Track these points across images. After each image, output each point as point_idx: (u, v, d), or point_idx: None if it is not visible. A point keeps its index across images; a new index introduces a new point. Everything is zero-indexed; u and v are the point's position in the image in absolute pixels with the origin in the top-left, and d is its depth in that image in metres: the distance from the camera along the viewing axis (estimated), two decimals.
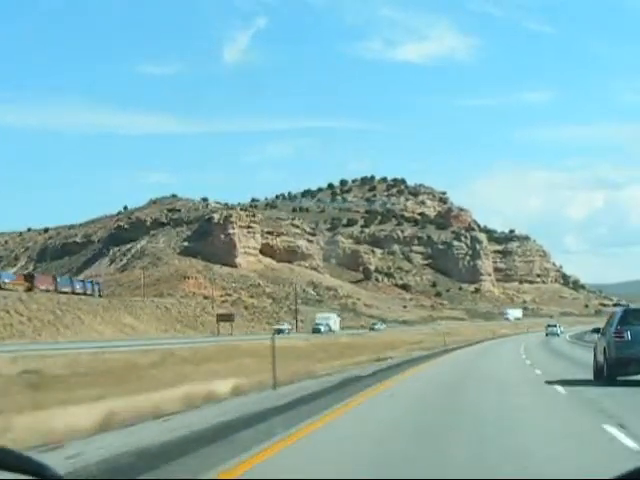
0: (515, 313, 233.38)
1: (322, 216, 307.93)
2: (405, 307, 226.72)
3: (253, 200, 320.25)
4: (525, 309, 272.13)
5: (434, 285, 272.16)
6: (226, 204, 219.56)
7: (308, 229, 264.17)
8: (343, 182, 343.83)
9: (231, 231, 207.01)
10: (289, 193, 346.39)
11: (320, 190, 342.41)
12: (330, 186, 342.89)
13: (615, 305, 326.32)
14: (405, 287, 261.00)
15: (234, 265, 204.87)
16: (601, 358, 24.73)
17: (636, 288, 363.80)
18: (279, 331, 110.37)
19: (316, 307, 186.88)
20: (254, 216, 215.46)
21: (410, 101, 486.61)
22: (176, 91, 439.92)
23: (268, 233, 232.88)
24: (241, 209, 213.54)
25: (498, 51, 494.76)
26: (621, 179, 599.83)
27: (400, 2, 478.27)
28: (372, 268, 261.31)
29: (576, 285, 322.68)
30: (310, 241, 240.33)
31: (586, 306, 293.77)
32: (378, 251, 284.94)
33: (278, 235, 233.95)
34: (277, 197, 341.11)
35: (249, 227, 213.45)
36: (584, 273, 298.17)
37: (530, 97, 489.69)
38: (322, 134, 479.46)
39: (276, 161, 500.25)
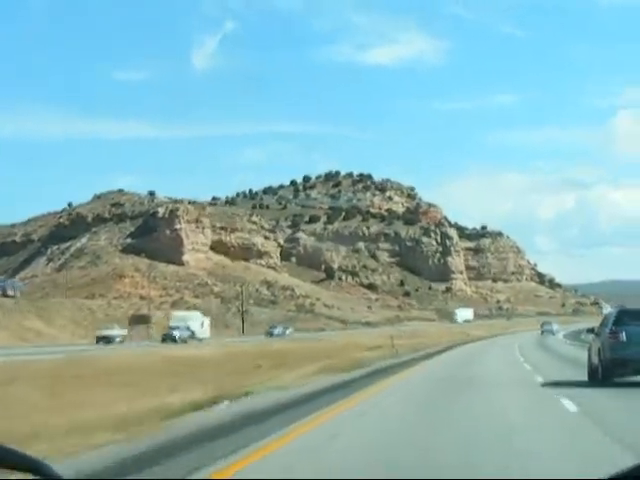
0: (465, 314, 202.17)
1: (283, 213, 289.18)
2: (370, 308, 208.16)
3: (214, 198, 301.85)
4: (500, 309, 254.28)
5: (402, 284, 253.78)
6: (172, 198, 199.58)
7: (267, 226, 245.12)
8: (306, 178, 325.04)
9: (177, 226, 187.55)
10: (250, 190, 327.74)
11: (282, 187, 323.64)
12: (293, 183, 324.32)
13: (593, 304, 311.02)
14: (371, 287, 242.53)
15: (181, 263, 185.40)
16: (596, 359, 23.81)
17: (608, 288, 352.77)
18: (104, 339, 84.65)
19: (270, 308, 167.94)
20: (203, 209, 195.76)
21: (381, 105, 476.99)
22: (145, 96, 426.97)
23: (221, 229, 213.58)
24: (189, 202, 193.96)
25: (469, 54, 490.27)
26: (590, 181, 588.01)
27: (370, 6, 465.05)
28: (335, 267, 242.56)
29: (552, 284, 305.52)
30: (267, 237, 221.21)
31: (563, 305, 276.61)
32: (342, 249, 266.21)
33: (232, 231, 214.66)
34: (238, 195, 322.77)
35: (198, 222, 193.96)
36: (556, 274, 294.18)
37: (501, 100, 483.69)
38: (293, 138, 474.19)
39: (247, 165, 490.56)
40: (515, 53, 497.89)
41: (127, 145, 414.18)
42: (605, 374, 22.92)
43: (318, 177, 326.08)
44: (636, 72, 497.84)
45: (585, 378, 24.78)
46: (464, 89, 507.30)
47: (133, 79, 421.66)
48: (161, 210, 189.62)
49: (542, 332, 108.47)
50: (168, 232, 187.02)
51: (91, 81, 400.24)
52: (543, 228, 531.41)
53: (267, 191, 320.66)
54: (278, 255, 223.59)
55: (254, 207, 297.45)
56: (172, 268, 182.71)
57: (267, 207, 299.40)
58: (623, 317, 23.34)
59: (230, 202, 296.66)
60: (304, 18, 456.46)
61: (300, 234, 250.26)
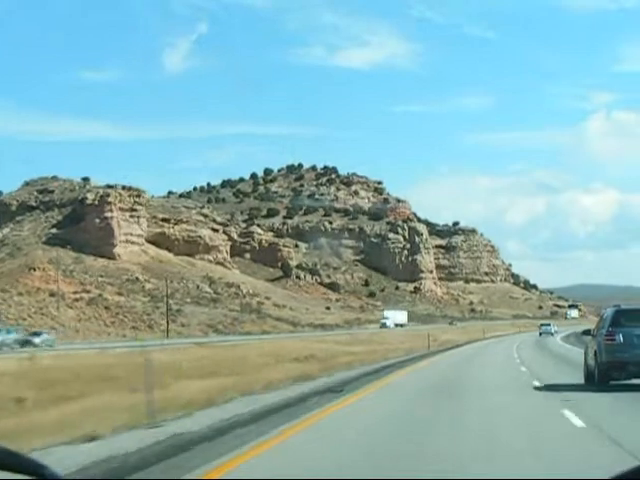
0: (397, 317, 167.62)
1: (240, 207, 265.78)
2: (328, 309, 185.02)
3: (170, 193, 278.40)
4: (472, 311, 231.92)
5: (366, 284, 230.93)
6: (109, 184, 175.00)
7: (220, 219, 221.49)
8: (267, 171, 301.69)
9: (108, 215, 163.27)
10: (208, 184, 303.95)
11: (242, 180, 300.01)
12: (253, 176, 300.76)
13: (570, 307, 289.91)
14: (332, 286, 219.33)
15: (112, 256, 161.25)
16: (592, 362, 23.11)
17: (579, 292, 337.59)
18: None
19: (210, 307, 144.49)
20: (139, 196, 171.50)
21: (353, 107, 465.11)
22: (115, 97, 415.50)
23: (164, 220, 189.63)
24: (123, 188, 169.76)
25: (441, 57, 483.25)
26: (561, 185, 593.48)
27: (341, 8, 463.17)
28: (293, 264, 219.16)
29: (528, 285, 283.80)
30: (215, 230, 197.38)
31: (540, 307, 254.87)
32: (303, 245, 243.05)
33: (177, 223, 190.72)
34: (195, 189, 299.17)
35: (132, 210, 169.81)
36: (528, 277, 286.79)
37: (473, 103, 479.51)
38: (265, 140, 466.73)
39: (216, 167, 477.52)
40: (487, 56, 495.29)
41: (90, 146, 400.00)
42: (601, 377, 22.06)
43: (280, 170, 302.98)
44: (606, 77, 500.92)
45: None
46: (435, 92, 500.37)
47: (102, 80, 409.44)
48: (90, 196, 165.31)
49: (540, 334, 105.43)
50: (97, 221, 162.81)
51: (59, 81, 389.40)
52: (514, 232, 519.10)
53: (225, 185, 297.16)
54: (228, 250, 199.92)
55: (209, 201, 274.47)
56: (101, 262, 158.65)
57: (223, 200, 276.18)
58: (620, 318, 22.18)
59: (185, 196, 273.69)
60: (276, 19, 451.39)
61: (255, 228, 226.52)
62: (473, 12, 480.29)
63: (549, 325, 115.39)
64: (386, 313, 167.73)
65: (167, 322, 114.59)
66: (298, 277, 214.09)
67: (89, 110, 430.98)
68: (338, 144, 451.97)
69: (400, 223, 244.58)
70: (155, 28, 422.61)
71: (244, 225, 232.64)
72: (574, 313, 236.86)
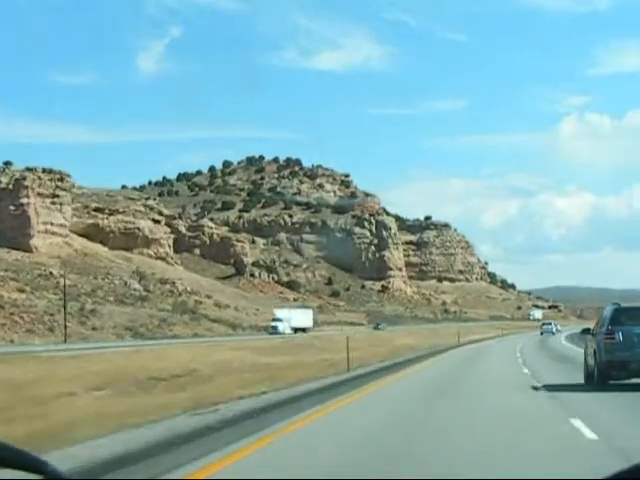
0: (297, 318, 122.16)
1: (194, 200, 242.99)
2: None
3: (123, 187, 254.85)
4: (446, 312, 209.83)
5: (330, 282, 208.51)
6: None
7: (167, 211, 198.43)
8: (226, 163, 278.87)
9: (24, 201, 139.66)
10: (164, 177, 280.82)
11: (199, 173, 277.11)
12: (211, 169, 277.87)
13: (551, 307, 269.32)
14: (291, 285, 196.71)
15: (28, 248, 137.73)
16: (592, 361, 22.49)
17: (555, 294, 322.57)
18: None
19: (135, 307, 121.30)
20: (61, 180, 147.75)
21: (326, 110, 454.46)
22: (90, 101, 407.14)
23: (97, 210, 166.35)
24: (43, 171, 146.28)
25: (414, 60, 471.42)
26: (535, 188, 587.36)
27: (315, 11, 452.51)
28: (247, 260, 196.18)
29: (505, 285, 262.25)
30: (157, 222, 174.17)
31: (519, 308, 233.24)
32: (260, 241, 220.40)
33: (111, 213, 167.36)
34: (149, 183, 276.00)
35: (54, 197, 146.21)
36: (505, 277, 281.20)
37: (446, 105, 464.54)
38: (238, 143, 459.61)
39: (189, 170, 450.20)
40: (461, 59, 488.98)
41: (65, 149, 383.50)
42: (601, 377, 21.55)
43: (240, 162, 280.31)
44: (579, 80, 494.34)
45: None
46: (409, 95, 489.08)
47: (75, 83, 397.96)
48: (4, 180, 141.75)
49: (541, 333, 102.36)
50: (12, 208, 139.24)
51: (32, 83, 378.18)
52: (487, 234, 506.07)
53: (180, 178, 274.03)
54: (171, 244, 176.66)
55: (161, 194, 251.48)
56: (15, 255, 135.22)
57: (176, 193, 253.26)
58: (619, 316, 21.67)
59: (139, 190, 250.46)
60: (250, 23, 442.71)
61: (205, 221, 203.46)
62: (447, 15, 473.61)
63: (550, 324, 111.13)
64: (278, 313, 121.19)
65: (65, 323, 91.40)
66: (252, 275, 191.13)
67: (65, 113, 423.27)
68: (312, 146, 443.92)
69: (367, 217, 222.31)
70: (129, 31, 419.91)
71: (195, 219, 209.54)
72: (538, 314, 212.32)
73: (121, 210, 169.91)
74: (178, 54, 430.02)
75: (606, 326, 21.48)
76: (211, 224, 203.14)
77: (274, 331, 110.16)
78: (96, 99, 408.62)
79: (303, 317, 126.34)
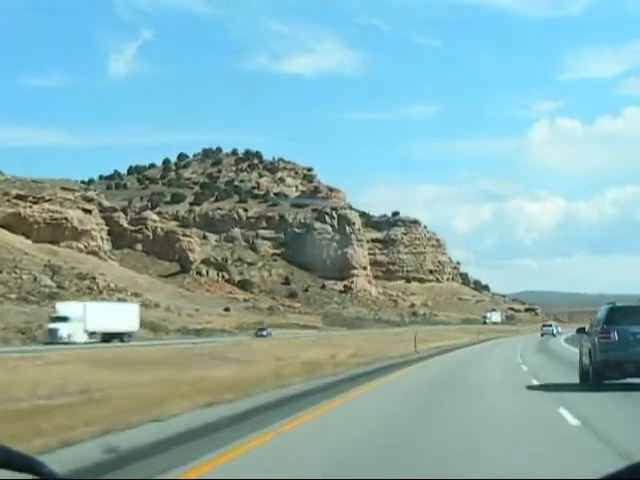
0: (100, 316, 78.46)
1: (143, 193, 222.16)
2: (227, 310, 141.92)
3: (68, 180, 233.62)
4: (414, 314, 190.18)
5: (287, 282, 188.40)
6: None
7: (107, 203, 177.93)
8: (182, 156, 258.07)
9: None
10: (115, 171, 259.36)
11: (153, 166, 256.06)
12: (165, 161, 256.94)
13: (527, 310, 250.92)
14: (244, 284, 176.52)
15: None
16: (587, 361, 22.19)
17: (527, 298, 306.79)
18: None
19: (40, 306, 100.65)
20: None
21: (298, 114, 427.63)
22: (60, 103, 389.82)
23: (18, 198, 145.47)
24: None
25: (385, 65, 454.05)
26: (505, 193, 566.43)
27: (286, 16, 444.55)
28: (194, 257, 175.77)
29: (479, 286, 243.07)
30: (87, 211, 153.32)
31: (493, 310, 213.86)
32: (212, 237, 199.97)
33: (36, 202, 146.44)
34: (101, 177, 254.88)
35: None
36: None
37: (417, 111, 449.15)
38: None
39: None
40: (432, 65, 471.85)
41: (37, 151, 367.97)
42: (596, 376, 21.27)
43: (196, 155, 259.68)
44: (551, 85, 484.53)
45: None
46: (381, 100, 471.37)
47: (45, 86, 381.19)
48: None
49: (542, 334, 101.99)
50: None
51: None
52: (459, 240, 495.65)
53: (132, 171, 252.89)
54: (104, 236, 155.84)
55: (108, 187, 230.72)
56: None
57: (124, 186, 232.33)
58: (615, 315, 21.46)
59: (86, 184, 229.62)
60: (221, 27, 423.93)
61: (148, 213, 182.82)
62: (419, 20, 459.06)
63: (551, 326, 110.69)
64: (62, 308, 79.73)
65: None
66: (199, 273, 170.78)
67: (34, 116, 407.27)
68: (280, 150, 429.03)
69: (328, 210, 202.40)
70: (100, 34, 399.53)
71: (138, 211, 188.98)
72: (495, 317, 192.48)
73: (47, 198, 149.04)
74: (150, 57, 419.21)
75: (601, 325, 21.18)
76: (155, 217, 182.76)
77: (53, 338, 72.51)
78: (66, 101, 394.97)
79: (116, 316, 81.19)
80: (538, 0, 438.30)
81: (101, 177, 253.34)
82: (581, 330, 24.63)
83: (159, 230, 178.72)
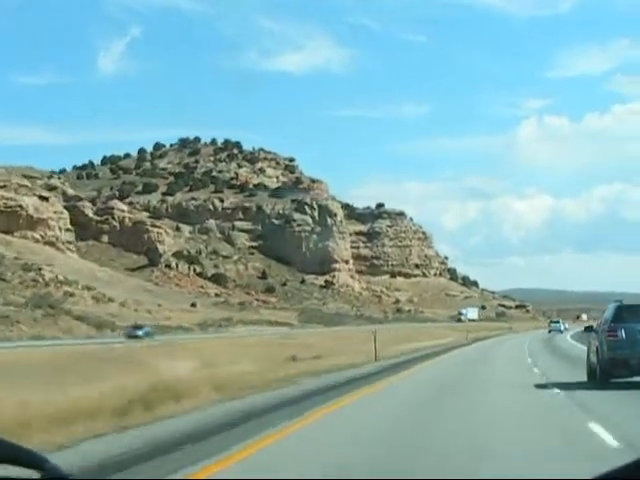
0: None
1: (114, 183, 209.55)
2: (194, 305, 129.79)
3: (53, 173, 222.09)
4: (398, 310, 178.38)
5: (264, 276, 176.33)
6: None
7: (72, 192, 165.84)
8: (158, 146, 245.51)
9: None
10: (90, 161, 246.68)
11: (128, 156, 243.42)
12: (141, 151, 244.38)
13: (518, 307, 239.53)
14: (217, 278, 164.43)
15: None
16: (594, 359, 22.02)
17: (515, 296, 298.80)
18: None
19: None
20: None
21: (287, 112, 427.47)
22: (49, 101, 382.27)
23: None
24: None
25: (375, 63, 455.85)
26: (493, 190, 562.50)
27: (276, 13, 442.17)
28: (164, 249, 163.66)
29: (467, 282, 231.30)
30: (44, 198, 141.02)
31: (483, 307, 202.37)
32: (186, 228, 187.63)
33: None
34: (75, 168, 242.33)
35: None
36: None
37: (407, 109, 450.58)
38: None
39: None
40: (422, 63, 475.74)
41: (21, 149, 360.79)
42: (603, 375, 21.06)
43: (172, 145, 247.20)
44: (539, 83, 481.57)
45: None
46: (369, 97, 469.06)
47: (36, 83, 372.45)
48: None
49: (549, 331, 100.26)
50: None
51: None
52: (446, 238, 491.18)
53: (106, 161, 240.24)
54: (63, 226, 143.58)
55: (79, 177, 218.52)
56: None
57: (96, 176, 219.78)
58: (622, 313, 21.26)
59: (57, 173, 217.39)
60: (211, 24, 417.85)
61: (115, 202, 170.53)
62: (409, 18, 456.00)
63: (558, 322, 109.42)
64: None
65: None
66: (168, 266, 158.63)
67: (23, 114, 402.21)
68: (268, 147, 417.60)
69: (309, 201, 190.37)
70: (88, 31, 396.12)
71: (105, 200, 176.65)
72: (472, 313, 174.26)
73: (0, 184, 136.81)
74: (138, 54, 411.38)
75: (609, 323, 21.08)
76: (123, 206, 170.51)
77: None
78: (54, 99, 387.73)
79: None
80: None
81: (75, 167, 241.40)
82: (589, 328, 24.81)
83: (127, 221, 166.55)
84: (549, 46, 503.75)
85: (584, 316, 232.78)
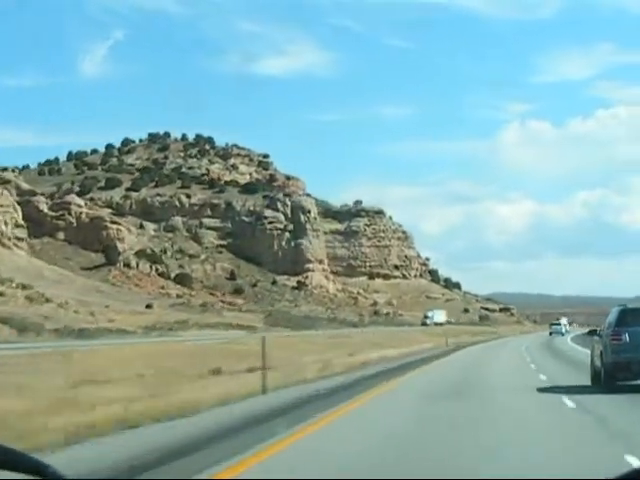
0: None
1: (76, 178, 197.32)
2: (149, 307, 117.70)
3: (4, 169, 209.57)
4: (375, 313, 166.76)
5: (233, 276, 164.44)
6: None
7: (27, 186, 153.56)
8: (126, 141, 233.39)
9: None
10: (56, 157, 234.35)
11: (95, 152, 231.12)
12: (108, 147, 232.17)
13: (502, 310, 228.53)
14: (182, 279, 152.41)
15: None
16: (598, 362, 21.78)
17: (498, 300, 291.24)
18: None
19: None
20: None
21: (270, 115, 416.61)
22: (32, 103, 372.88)
23: None
24: None
25: (359, 66, 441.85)
26: (476, 194, 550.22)
27: (259, 16, 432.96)
28: (124, 247, 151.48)
29: (449, 284, 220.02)
30: None
31: (466, 310, 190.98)
32: (151, 226, 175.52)
33: None
34: (40, 164, 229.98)
35: None
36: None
37: (391, 112, 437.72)
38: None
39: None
40: (405, 66, 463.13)
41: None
42: (607, 378, 20.75)
43: (142, 140, 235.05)
44: (522, 88, 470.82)
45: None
46: (353, 101, 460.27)
47: (18, 85, 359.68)
48: None
49: (550, 333, 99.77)
50: None
51: None
52: (429, 242, 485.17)
53: (71, 157, 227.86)
54: (10, 221, 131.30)
55: (40, 173, 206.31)
56: None
57: (58, 172, 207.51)
58: (626, 317, 21.02)
59: (19, 169, 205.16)
60: (193, 26, 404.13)
61: (72, 197, 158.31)
62: (392, 22, 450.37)
63: (559, 324, 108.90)
64: None
65: None
66: (127, 265, 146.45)
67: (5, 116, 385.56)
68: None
69: (281, 197, 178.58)
70: (71, 33, 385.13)
71: (62, 195, 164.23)
72: (439, 316, 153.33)
73: None
74: (121, 57, 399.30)
75: (613, 327, 20.99)
76: (80, 202, 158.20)
77: None
78: (37, 101, 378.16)
79: None
80: (509, 4, 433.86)
81: (39, 164, 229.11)
82: (592, 332, 24.66)
83: (84, 217, 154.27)
84: (532, 50, 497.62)
85: (563, 319, 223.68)
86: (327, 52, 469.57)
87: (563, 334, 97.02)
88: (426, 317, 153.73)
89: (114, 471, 9.53)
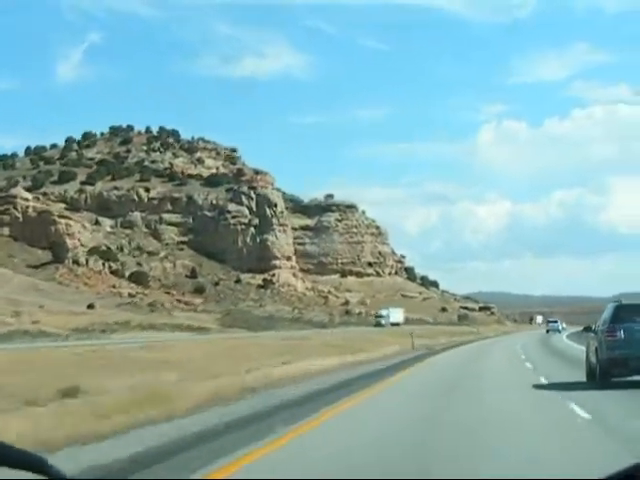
0: None
1: (29, 172, 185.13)
2: (91, 307, 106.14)
3: None
4: (347, 313, 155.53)
5: (194, 275, 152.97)
6: None
7: None
8: (86, 135, 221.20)
9: None
10: (14, 153, 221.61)
11: (54, 146, 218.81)
12: (68, 140, 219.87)
13: (482, 309, 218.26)
14: (137, 277, 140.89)
15: None
16: (594, 359, 21.68)
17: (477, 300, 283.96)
18: None
19: None
20: None
21: (248, 117, 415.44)
22: (9, 107, 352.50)
23: None
24: None
25: (334, 68, 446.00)
26: (453, 195, 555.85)
27: (235, 18, 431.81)
28: (74, 243, 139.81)
29: (426, 282, 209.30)
30: None
31: (444, 309, 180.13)
32: (107, 221, 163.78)
33: None
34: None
35: None
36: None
37: (367, 114, 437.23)
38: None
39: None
40: (381, 68, 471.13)
41: None
42: (603, 374, 20.66)
43: (102, 134, 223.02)
44: (499, 89, 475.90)
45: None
46: (329, 103, 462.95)
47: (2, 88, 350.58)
48: None
49: (547, 331, 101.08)
50: None
51: None
52: (407, 243, 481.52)
53: (28, 152, 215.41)
54: None
55: None
56: None
57: (12, 166, 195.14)
58: (621, 313, 20.94)
59: None
60: (169, 28, 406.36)
61: (18, 190, 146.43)
62: (367, 24, 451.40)
63: (556, 322, 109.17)
64: None
65: None
66: (76, 262, 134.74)
67: None
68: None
69: (245, 190, 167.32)
70: (46, 36, 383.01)
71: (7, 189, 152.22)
72: (395, 315, 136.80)
73: None
74: (97, 60, 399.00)
75: (608, 323, 20.88)
76: (27, 195, 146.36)
77: None
78: (14, 105, 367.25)
79: None
80: (487, 6, 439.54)
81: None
82: (588, 329, 24.37)
83: (31, 211, 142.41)
84: (508, 52, 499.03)
85: (539, 318, 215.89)
86: (303, 54, 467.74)
87: (559, 331, 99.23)
88: (380, 316, 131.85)
89: None
